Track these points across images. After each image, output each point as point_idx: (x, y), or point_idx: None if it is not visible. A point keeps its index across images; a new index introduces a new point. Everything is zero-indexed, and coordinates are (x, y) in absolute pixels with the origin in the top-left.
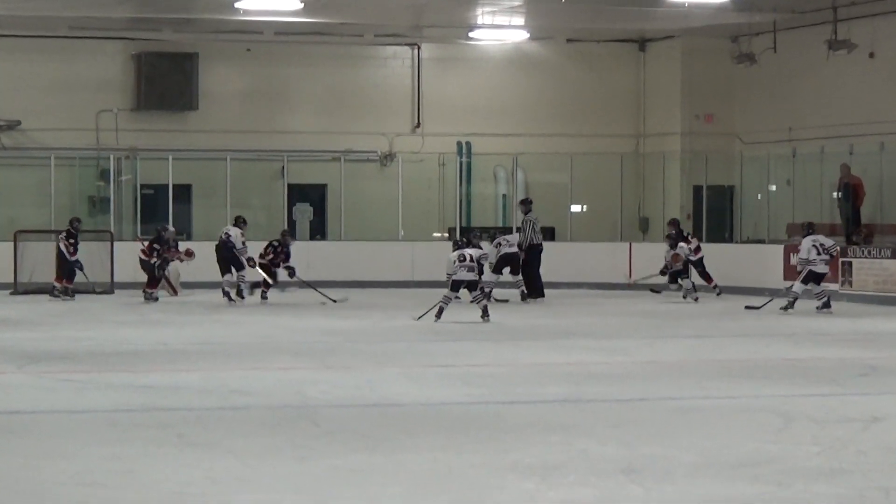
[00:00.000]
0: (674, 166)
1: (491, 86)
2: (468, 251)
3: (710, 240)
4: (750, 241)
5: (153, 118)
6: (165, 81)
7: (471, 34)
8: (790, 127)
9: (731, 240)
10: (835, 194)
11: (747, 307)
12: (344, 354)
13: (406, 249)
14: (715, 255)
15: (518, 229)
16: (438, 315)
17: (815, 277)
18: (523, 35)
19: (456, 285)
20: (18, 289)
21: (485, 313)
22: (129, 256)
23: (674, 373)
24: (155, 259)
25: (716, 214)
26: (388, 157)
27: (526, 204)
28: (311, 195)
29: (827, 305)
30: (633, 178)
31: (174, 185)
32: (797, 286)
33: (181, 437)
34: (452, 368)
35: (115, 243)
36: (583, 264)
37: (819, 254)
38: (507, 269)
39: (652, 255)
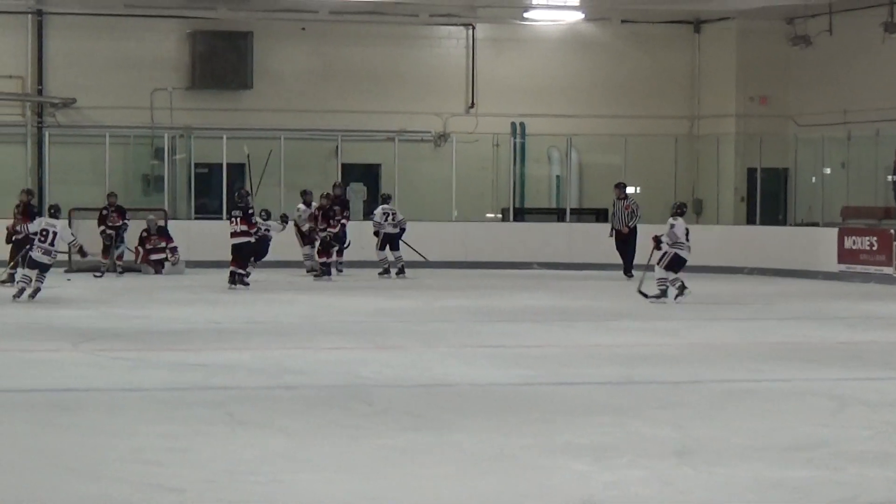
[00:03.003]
0: (728, 148)
1: (545, 66)
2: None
3: (764, 222)
4: (804, 224)
5: (207, 97)
6: (220, 60)
7: (526, 14)
8: (845, 109)
9: (784, 222)
10: (889, 177)
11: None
12: (395, 334)
13: (459, 230)
14: (768, 238)
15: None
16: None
17: (679, 263)
18: (578, 16)
19: None
20: (73, 266)
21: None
22: (182, 235)
23: (725, 355)
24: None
25: (770, 197)
26: (442, 138)
27: (621, 188)
28: (365, 175)
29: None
30: (686, 160)
31: (228, 164)
32: (660, 271)
33: (233, 416)
34: (503, 349)
35: (169, 222)
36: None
37: (687, 239)
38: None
39: (705, 238)
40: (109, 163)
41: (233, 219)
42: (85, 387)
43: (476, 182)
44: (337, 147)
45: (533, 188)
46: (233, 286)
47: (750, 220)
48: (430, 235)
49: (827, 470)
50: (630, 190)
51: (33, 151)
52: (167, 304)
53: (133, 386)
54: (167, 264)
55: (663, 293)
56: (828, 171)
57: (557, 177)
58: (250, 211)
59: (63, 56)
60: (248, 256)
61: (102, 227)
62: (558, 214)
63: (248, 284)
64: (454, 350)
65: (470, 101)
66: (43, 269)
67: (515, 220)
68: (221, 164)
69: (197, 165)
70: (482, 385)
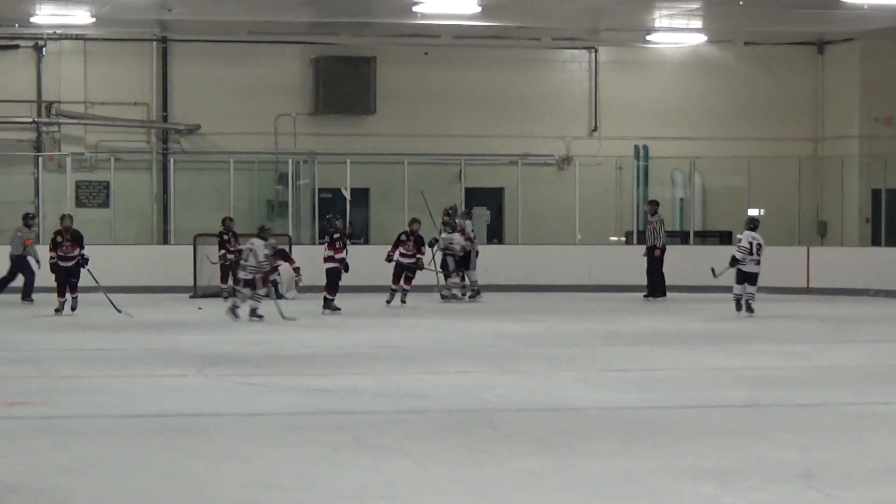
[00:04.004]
0: (852, 170)
1: (668, 89)
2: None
3: (889, 243)
4: None
5: (331, 122)
6: (343, 85)
7: (648, 37)
8: None
9: None
10: None
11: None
12: (520, 358)
13: (583, 253)
14: (893, 259)
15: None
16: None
17: (743, 276)
18: (701, 38)
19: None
20: (198, 292)
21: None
22: (306, 260)
23: (854, 377)
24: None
25: (895, 218)
26: (565, 161)
27: (653, 205)
28: (488, 198)
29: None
30: (810, 181)
31: (352, 189)
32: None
33: (358, 441)
34: (629, 373)
35: (294, 247)
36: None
37: (752, 252)
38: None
39: (829, 259)
40: (234, 188)
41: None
42: (211, 412)
43: (599, 205)
44: (460, 171)
45: None
46: (324, 312)
47: (875, 242)
48: (554, 259)
49: None
50: (753, 212)
51: (159, 178)
52: (292, 328)
53: (258, 411)
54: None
55: (739, 306)
56: None
57: (681, 199)
58: (336, 236)
59: (188, 83)
60: (335, 282)
61: (223, 252)
62: (682, 237)
63: (338, 309)
64: (580, 374)
65: (593, 125)
66: (251, 285)
67: (639, 243)
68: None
69: (320, 190)
70: (608, 409)
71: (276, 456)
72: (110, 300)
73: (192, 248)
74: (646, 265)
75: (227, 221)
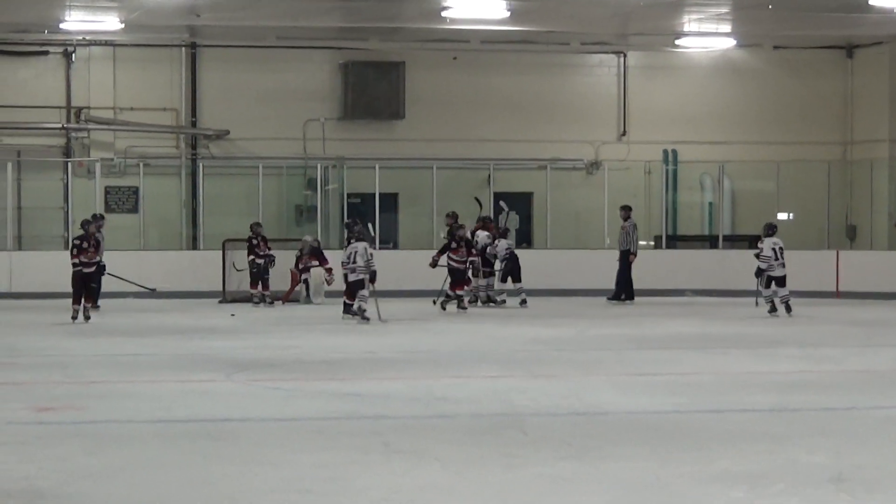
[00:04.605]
0: (882, 173)
1: (697, 93)
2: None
3: None
4: None
5: (360, 127)
6: (372, 90)
7: (677, 42)
8: None
9: None
10: None
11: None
12: (550, 363)
13: (612, 257)
14: None
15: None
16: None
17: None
18: (730, 42)
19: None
20: (227, 297)
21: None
22: (335, 265)
23: (884, 381)
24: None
25: None
26: (594, 166)
27: (625, 210)
28: (517, 203)
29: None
30: (840, 185)
31: (381, 194)
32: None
33: (388, 446)
34: (658, 377)
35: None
36: (788, 273)
37: (777, 258)
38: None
39: (859, 263)
40: (262, 194)
41: None
42: (240, 416)
43: None
44: (489, 176)
45: (685, 215)
46: (345, 316)
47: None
48: (583, 263)
49: None
50: (782, 216)
51: (187, 183)
52: (321, 333)
53: (287, 416)
54: (312, 286)
55: (773, 308)
56: None
57: (710, 204)
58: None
59: (216, 88)
60: (354, 288)
61: (252, 257)
62: (710, 241)
63: (356, 314)
64: (610, 378)
65: (622, 129)
66: (359, 286)
67: (668, 247)
68: (374, 194)
69: (349, 196)
70: (637, 413)
71: (304, 461)
72: (135, 283)
73: (220, 253)
74: (617, 269)
75: (255, 227)
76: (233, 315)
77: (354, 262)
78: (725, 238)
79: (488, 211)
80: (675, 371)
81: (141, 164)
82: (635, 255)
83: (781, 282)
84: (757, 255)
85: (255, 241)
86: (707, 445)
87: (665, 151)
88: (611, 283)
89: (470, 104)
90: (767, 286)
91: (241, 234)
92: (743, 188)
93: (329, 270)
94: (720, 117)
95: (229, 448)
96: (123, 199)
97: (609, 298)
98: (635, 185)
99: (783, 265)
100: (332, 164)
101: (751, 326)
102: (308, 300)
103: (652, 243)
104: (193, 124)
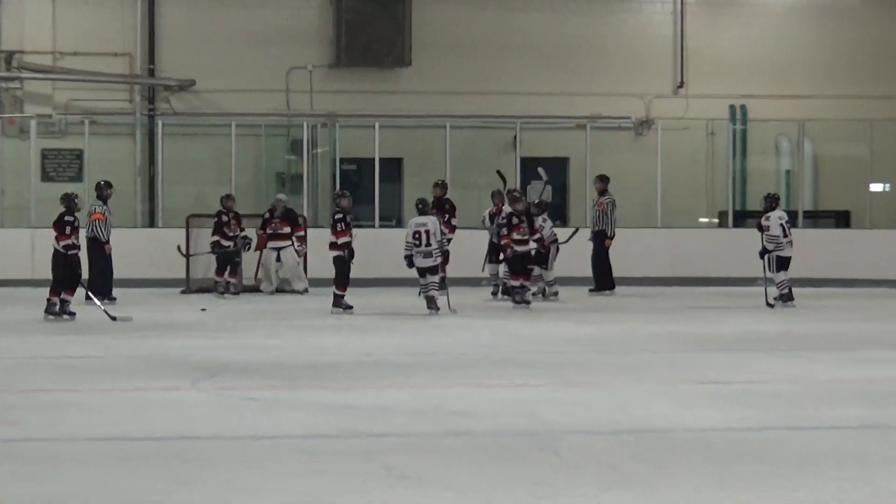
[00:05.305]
0: None
1: (773, 37)
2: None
3: None
4: None
5: (356, 77)
6: (371, 31)
7: None
8: None
9: None
10: None
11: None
12: (589, 368)
13: (666, 238)
14: None
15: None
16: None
17: (784, 263)
18: None
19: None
20: (191, 286)
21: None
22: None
23: None
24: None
25: None
26: (644, 125)
27: (602, 181)
28: (550, 170)
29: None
30: None
31: (381, 160)
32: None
33: (390, 470)
34: (724, 385)
35: (310, 230)
36: (884, 256)
37: (786, 234)
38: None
39: None
40: (236, 158)
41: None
42: (209, 434)
43: (686, 179)
44: (515, 137)
45: (756, 186)
46: (333, 311)
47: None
48: (629, 245)
49: None
50: (876, 187)
51: (143, 145)
52: (307, 330)
53: (267, 433)
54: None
55: (788, 295)
56: None
57: (787, 171)
58: (339, 216)
59: (180, 29)
60: (342, 273)
61: (216, 238)
62: (790, 218)
63: (349, 308)
64: (663, 387)
65: (679, 80)
66: (431, 272)
67: (735, 225)
68: (373, 159)
69: (343, 161)
70: (697, 430)
71: (289, 488)
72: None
73: (184, 231)
74: (591, 253)
75: (226, 200)
76: (203, 310)
77: (428, 242)
78: (806, 214)
79: (513, 183)
80: (743, 378)
81: (86, 122)
82: (612, 238)
83: (788, 264)
84: (762, 252)
85: (224, 219)
86: (783, 470)
87: (732, 107)
88: (662, 270)
89: (492, 49)
90: (780, 269)
91: (211, 208)
92: (828, 153)
93: (301, 239)
94: (801, 66)
95: (198, 472)
96: (64, 165)
97: (591, 290)
98: (695, 148)
99: (791, 243)
100: (321, 122)
101: (837, 323)
102: (270, 285)
103: (716, 220)
104: (151, 73)
